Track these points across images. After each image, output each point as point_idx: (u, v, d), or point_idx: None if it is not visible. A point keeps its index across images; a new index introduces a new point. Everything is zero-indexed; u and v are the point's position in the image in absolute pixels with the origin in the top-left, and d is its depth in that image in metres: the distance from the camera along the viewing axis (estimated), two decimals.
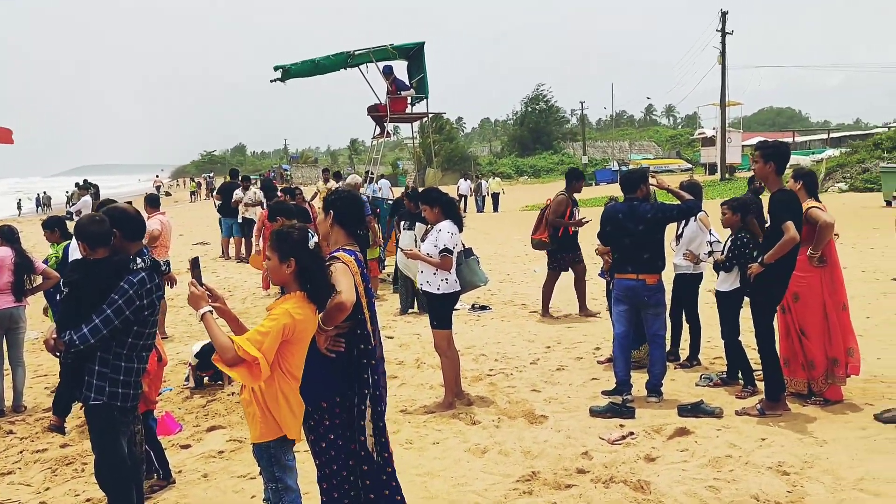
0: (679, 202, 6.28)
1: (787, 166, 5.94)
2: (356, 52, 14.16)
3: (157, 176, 72.76)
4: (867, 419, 5.52)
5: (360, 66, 14.57)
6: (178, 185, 77.34)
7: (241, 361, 3.32)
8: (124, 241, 4.16)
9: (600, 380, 6.86)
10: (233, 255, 16.73)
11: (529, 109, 78.24)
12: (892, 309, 9.52)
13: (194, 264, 3.65)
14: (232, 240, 16.96)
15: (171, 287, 6.24)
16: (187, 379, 7.35)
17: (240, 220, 16.36)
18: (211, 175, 69.29)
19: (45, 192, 51.61)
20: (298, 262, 3.50)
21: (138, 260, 4.09)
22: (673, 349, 7.39)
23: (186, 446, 5.75)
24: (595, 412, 5.90)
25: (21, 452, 5.87)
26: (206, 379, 7.28)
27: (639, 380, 6.37)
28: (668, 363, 6.74)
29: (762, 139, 6.99)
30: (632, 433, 5.42)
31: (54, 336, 4.07)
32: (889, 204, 22.85)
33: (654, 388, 6.26)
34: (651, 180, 6.38)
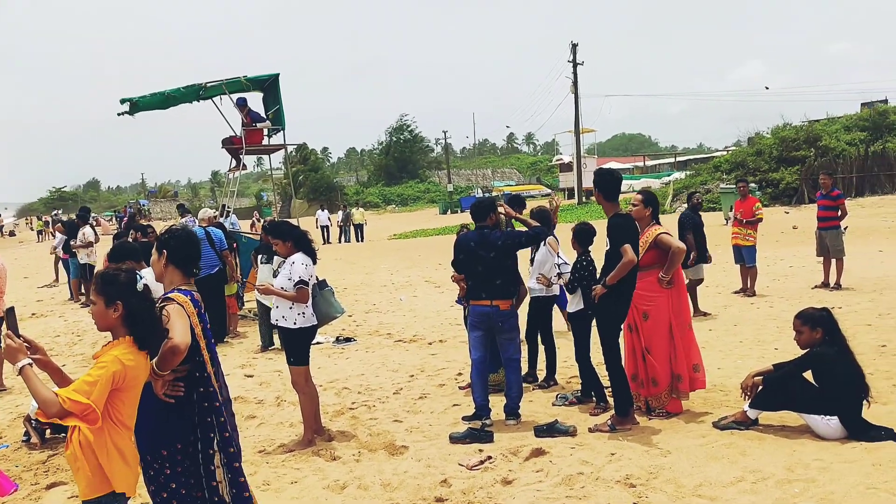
0: (527, 229, 6.49)
1: (636, 189, 6.38)
2: (208, 84, 13.83)
3: (0, 215, 67.87)
4: (707, 427, 5.87)
5: (214, 99, 14.24)
6: (25, 223, 72.36)
7: (67, 414, 3.12)
8: None
9: (461, 405, 6.94)
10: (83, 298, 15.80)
11: (394, 139, 79.00)
12: (732, 320, 10.21)
13: (9, 314, 3.41)
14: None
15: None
16: (26, 435, 6.83)
17: (80, 262, 15.59)
18: (58, 212, 65.43)
19: None
20: (126, 306, 3.34)
21: None
22: (531, 371, 7.59)
23: None
24: (455, 438, 5.94)
25: None
26: (48, 431, 6.79)
27: (498, 403, 6.48)
28: (526, 384, 6.91)
29: (612, 164, 7.46)
30: (490, 457, 5.49)
31: None
32: (728, 222, 24.56)
33: (511, 410, 6.39)
34: (500, 209, 6.56)
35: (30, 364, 3.22)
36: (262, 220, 26.66)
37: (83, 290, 15.78)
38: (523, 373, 6.89)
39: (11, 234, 59.34)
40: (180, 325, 3.48)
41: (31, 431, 6.79)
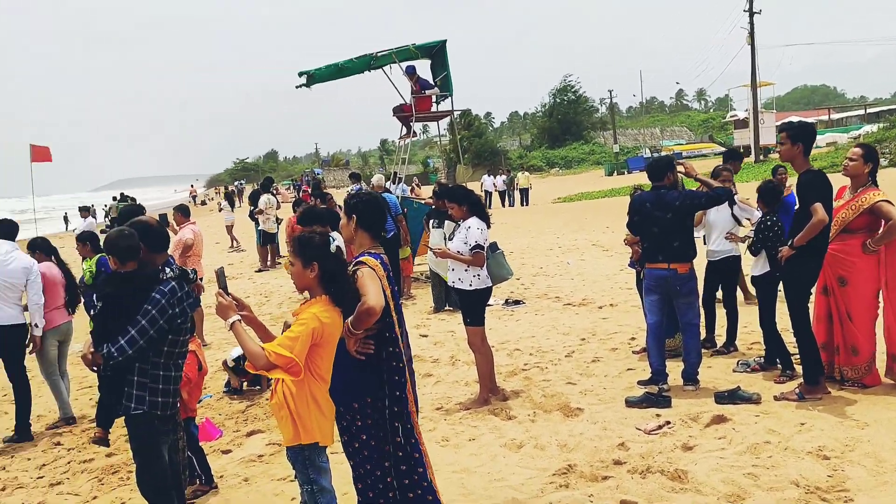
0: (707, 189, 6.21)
1: (823, 144, 5.90)
2: (379, 54, 14.22)
3: (193, 186, 73.78)
4: None
5: (384, 68, 14.63)
6: (214, 192, 78.28)
7: (273, 366, 3.39)
8: (150, 254, 4.25)
9: (636, 370, 6.83)
10: (269, 263, 16.91)
11: (558, 101, 77.74)
12: None
13: (220, 274, 3.72)
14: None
15: (198, 295, 6.34)
16: (227, 385, 7.47)
17: (259, 229, 16.73)
18: (242, 182, 70.14)
19: (91, 205, 52.41)
20: (321, 267, 3.55)
21: (167, 270, 4.18)
22: (709, 336, 7.32)
23: (227, 451, 5.85)
24: (631, 403, 5.87)
25: (69, 463, 6.03)
26: (244, 384, 7.39)
27: (674, 369, 6.32)
28: (704, 350, 6.68)
29: (795, 119, 6.95)
30: (668, 422, 5.39)
31: (91, 350, 4.17)
32: None
33: (689, 376, 6.21)
34: (678, 168, 6.33)
35: (239, 320, 3.51)
36: (419, 186, 27.19)
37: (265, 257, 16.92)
38: (701, 338, 6.66)
39: (203, 203, 64.29)
40: (374, 287, 3.65)
41: (230, 376, 7.40)
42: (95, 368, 4.25)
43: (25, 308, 6.77)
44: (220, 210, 24.97)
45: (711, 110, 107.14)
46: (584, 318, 9.30)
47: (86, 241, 7.57)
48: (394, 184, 15.57)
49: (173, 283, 4.10)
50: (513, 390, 6.55)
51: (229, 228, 22.40)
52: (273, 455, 5.61)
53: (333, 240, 3.65)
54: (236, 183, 67.31)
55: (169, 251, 4.80)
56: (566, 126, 75.57)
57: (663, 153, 48.76)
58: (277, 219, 17.02)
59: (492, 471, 4.91)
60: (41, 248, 7.13)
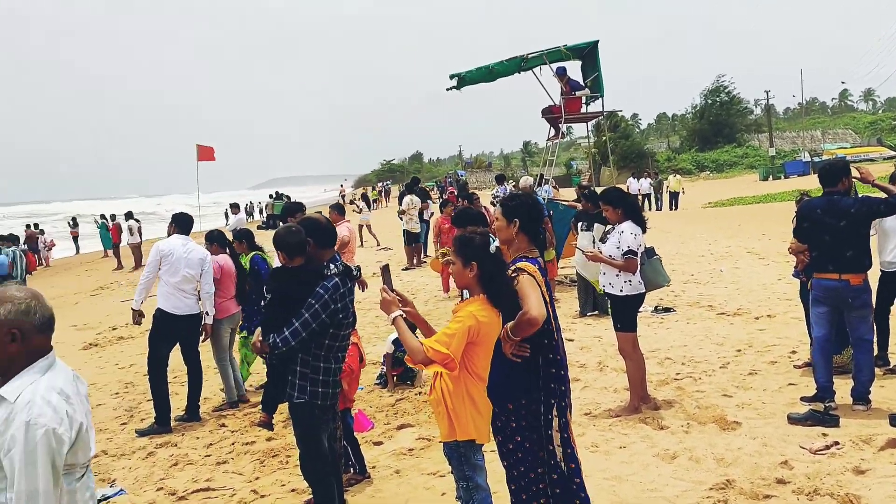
0: (886, 195, 5.78)
1: None
2: (529, 56, 14.20)
3: (342, 185, 76.58)
4: None
5: (534, 69, 14.60)
6: (362, 193, 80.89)
7: (430, 361, 3.47)
8: (317, 249, 4.44)
9: (798, 385, 6.46)
10: (415, 261, 17.28)
11: (710, 102, 74.72)
12: None
13: (385, 271, 3.84)
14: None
15: (363, 291, 6.59)
16: (379, 378, 7.70)
17: (403, 229, 17.09)
18: (388, 183, 72.01)
19: (250, 202, 55.65)
20: (480, 267, 3.59)
21: (331, 266, 4.36)
22: (881, 353, 6.81)
23: (378, 443, 6.03)
24: (794, 419, 5.56)
25: (233, 444, 6.42)
26: (395, 378, 7.59)
27: (841, 386, 5.93)
28: (876, 368, 6.23)
29: None
30: (837, 443, 5.06)
31: (260, 339, 4.44)
32: None
33: (860, 395, 5.80)
34: (854, 172, 5.93)
35: (401, 315, 3.62)
36: (557, 189, 26.92)
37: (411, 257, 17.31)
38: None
39: (352, 202, 66.53)
40: (535, 296, 3.64)
41: (387, 369, 7.61)
42: (264, 356, 4.53)
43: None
44: (359, 211, 25.86)
45: (881, 111, 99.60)
46: (740, 329, 8.89)
47: (241, 238, 7.97)
48: (539, 186, 15.51)
49: (336, 279, 4.28)
50: (664, 400, 6.36)
51: (367, 227, 23.20)
52: (423, 450, 5.74)
53: (494, 240, 3.67)
54: (383, 183, 69.17)
55: None
56: (718, 128, 72.48)
57: (825, 157, 45.75)
58: (423, 219, 17.37)
59: (644, 480, 4.79)
60: (217, 241, 7.63)
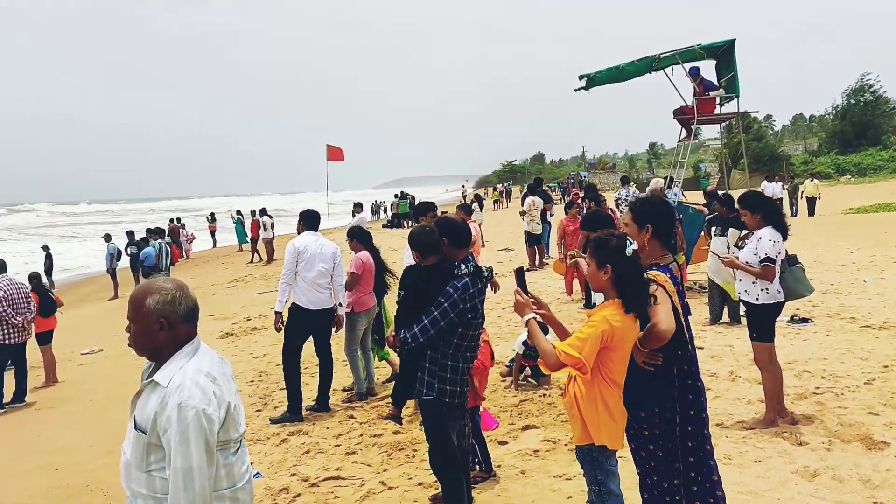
0: None
1: None
2: (661, 56, 13.87)
3: (464, 186, 77.23)
4: None
5: (665, 69, 14.25)
6: (483, 193, 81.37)
7: (563, 366, 3.44)
8: (452, 249, 4.51)
9: None
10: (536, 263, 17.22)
11: (852, 102, 70.33)
12: None
13: (519, 273, 3.86)
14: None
15: (494, 292, 6.64)
16: (511, 363, 7.71)
17: (524, 230, 16.98)
18: (509, 184, 72.04)
19: (376, 201, 57.12)
20: (615, 270, 3.53)
21: (462, 266, 4.41)
22: None
23: (503, 443, 6.06)
24: None
25: (361, 435, 6.62)
26: (527, 370, 7.61)
27: None
28: None
29: None
30: None
31: (393, 334, 4.56)
32: None
33: None
34: None
35: (534, 318, 3.62)
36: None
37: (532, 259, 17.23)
38: None
39: (473, 201, 66.95)
40: (665, 309, 3.54)
41: (514, 370, 7.64)
42: (397, 350, 4.65)
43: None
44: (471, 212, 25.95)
45: None
46: (887, 343, 8.34)
47: (353, 237, 8.07)
48: (668, 188, 15.10)
49: (467, 279, 4.34)
50: (803, 414, 6.06)
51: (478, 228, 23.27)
52: (549, 452, 5.71)
53: (631, 243, 3.60)
54: (504, 184, 69.26)
55: None
56: (861, 129, 68.07)
57: None
58: (545, 220, 17.25)
59: (782, 497, 4.59)
60: (358, 237, 7.87)
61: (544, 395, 7.18)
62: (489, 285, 5.04)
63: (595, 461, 3.59)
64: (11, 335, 9.61)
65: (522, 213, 17.17)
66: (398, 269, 6.64)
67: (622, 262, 3.54)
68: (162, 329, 2.64)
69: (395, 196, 40.94)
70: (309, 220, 7.60)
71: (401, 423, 5.11)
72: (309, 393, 7.73)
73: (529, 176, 61.68)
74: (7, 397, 9.62)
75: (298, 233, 7.71)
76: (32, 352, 10.46)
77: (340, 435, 6.70)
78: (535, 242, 17.13)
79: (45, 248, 25.04)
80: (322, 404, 7.52)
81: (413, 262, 4.76)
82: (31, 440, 7.99)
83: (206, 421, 2.51)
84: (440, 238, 4.51)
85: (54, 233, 56.70)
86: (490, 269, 4.75)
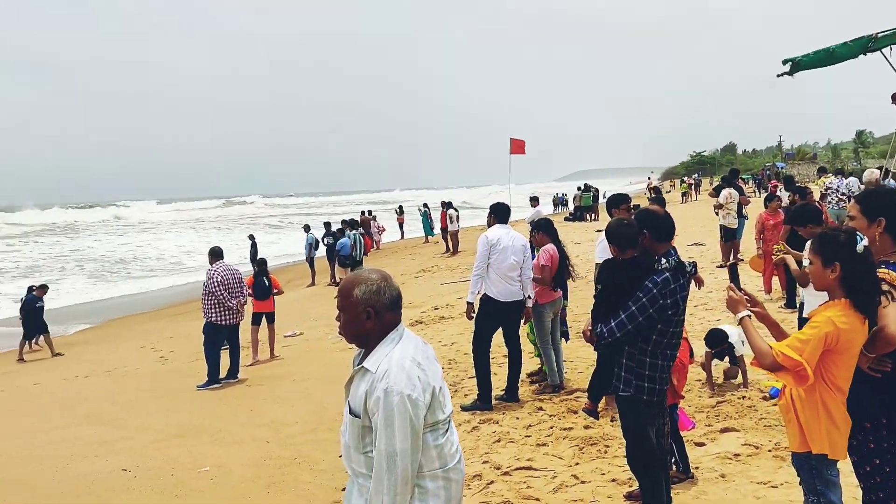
0: None
1: None
2: (878, 35, 12.65)
3: (649, 178, 75.02)
4: None
5: (883, 50, 13.00)
6: (669, 185, 78.64)
7: (780, 368, 3.24)
8: (653, 242, 4.38)
9: None
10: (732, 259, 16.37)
11: None
12: None
13: (732, 269, 3.69)
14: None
15: (699, 288, 6.39)
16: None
17: (720, 224, 16.07)
18: (698, 175, 69.02)
19: (558, 194, 56.75)
20: (844, 268, 3.27)
21: (664, 260, 4.28)
22: None
23: (701, 444, 5.83)
24: None
25: (551, 428, 6.62)
26: (719, 379, 7.31)
27: None
28: None
29: None
30: None
31: (589, 328, 4.52)
32: None
33: None
34: None
35: (749, 315, 3.44)
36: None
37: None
38: None
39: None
40: (893, 311, 3.25)
41: (707, 367, 7.33)
42: (594, 345, 4.60)
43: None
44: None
45: None
46: None
47: (538, 229, 8.02)
48: (884, 179, 13.82)
49: (667, 273, 4.20)
50: None
51: None
52: (750, 457, 5.43)
53: (861, 238, 3.31)
54: (693, 176, 66.45)
55: None
56: None
57: None
58: (741, 214, 16.35)
59: None
60: (543, 229, 7.89)
61: (743, 397, 6.83)
62: (693, 281, 4.85)
63: (814, 470, 3.36)
64: (227, 317, 10.51)
65: (718, 207, 16.35)
66: (581, 263, 6.58)
67: (853, 260, 3.27)
68: (369, 318, 2.77)
69: (578, 188, 40.48)
70: (500, 213, 7.71)
71: (597, 418, 5.06)
72: (497, 382, 7.84)
73: (719, 167, 58.83)
74: (222, 373, 10.53)
75: (489, 225, 7.83)
76: (244, 333, 11.40)
77: (530, 426, 6.75)
78: (731, 237, 16.27)
79: (251, 237, 27.28)
80: (511, 394, 7.60)
81: (610, 256, 4.69)
82: (244, 413, 8.71)
83: (412, 405, 2.61)
84: (640, 231, 4.40)
85: (261, 223, 61.48)
86: (693, 264, 4.58)
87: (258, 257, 14.07)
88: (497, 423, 6.95)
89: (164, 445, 7.58)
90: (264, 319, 12.02)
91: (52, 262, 35.32)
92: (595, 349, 4.59)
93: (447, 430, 2.81)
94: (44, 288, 15.76)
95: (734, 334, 7.00)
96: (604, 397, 5.58)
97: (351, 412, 2.75)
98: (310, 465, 6.63)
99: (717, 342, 7.06)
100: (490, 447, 6.29)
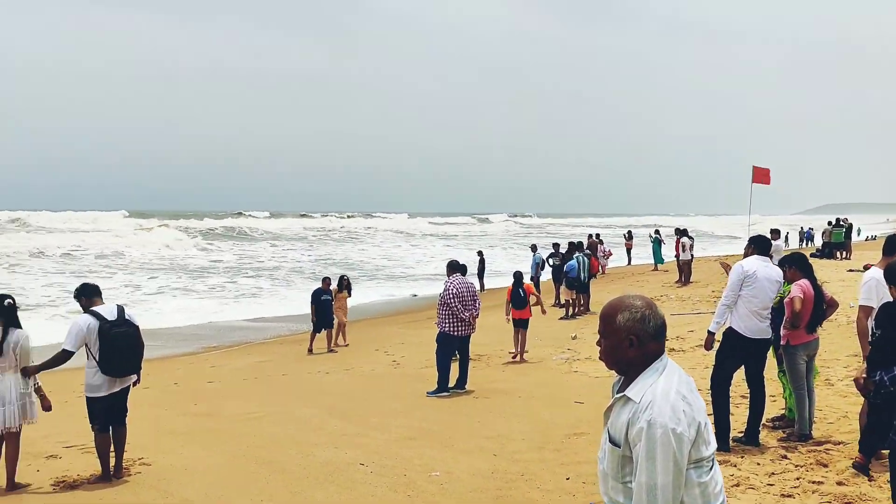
0: None
1: None
2: None
3: None
4: None
5: None
6: None
7: None
8: None
9: None
10: None
11: None
12: None
13: None
14: None
15: None
16: None
17: None
18: None
19: (803, 228, 52.97)
20: None
21: None
22: None
23: None
24: None
25: (798, 479, 6.08)
26: None
27: None
28: None
29: None
30: None
31: (864, 375, 4.10)
32: None
33: None
34: None
35: None
36: None
37: None
38: None
39: None
40: None
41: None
42: (866, 395, 4.18)
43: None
44: None
45: None
46: None
47: (791, 265, 7.40)
48: None
49: None
50: None
51: None
52: None
53: None
54: None
55: None
56: None
57: None
58: None
59: None
60: (797, 264, 7.34)
61: None
62: None
63: None
64: (459, 328, 10.84)
65: None
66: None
67: None
68: (632, 346, 2.69)
69: (829, 223, 37.24)
70: (759, 245, 7.31)
71: (868, 475, 4.57)
72: (733, 423, 7.37)
73: None
74: (451, 382, 10.86)
75: (745, 256, 7.44)
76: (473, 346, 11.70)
77: (773, 474, 6.25)
78: None
79: (480, 253, 28.10)
80: (751, 438, 7.11)
81: (880, 298, 4.26)
82: (472, 424, 8.91)
83: (675, 440, 2.50)
84: None
85: (511, 241, 65.72)
86: None
87: (516, 272, 14.11)
88: (735, 466, 6.52)
89: (398, 446, 7.94)
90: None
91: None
92: (870, 399, 4.17)
93: (711, 468, 2.66)
94: (327, 280, 16.74)
95: None
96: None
97: (611, 440, 2.69)
98: (537, 483, 6.62)
99: None
100: (728, 491, 5.91)
